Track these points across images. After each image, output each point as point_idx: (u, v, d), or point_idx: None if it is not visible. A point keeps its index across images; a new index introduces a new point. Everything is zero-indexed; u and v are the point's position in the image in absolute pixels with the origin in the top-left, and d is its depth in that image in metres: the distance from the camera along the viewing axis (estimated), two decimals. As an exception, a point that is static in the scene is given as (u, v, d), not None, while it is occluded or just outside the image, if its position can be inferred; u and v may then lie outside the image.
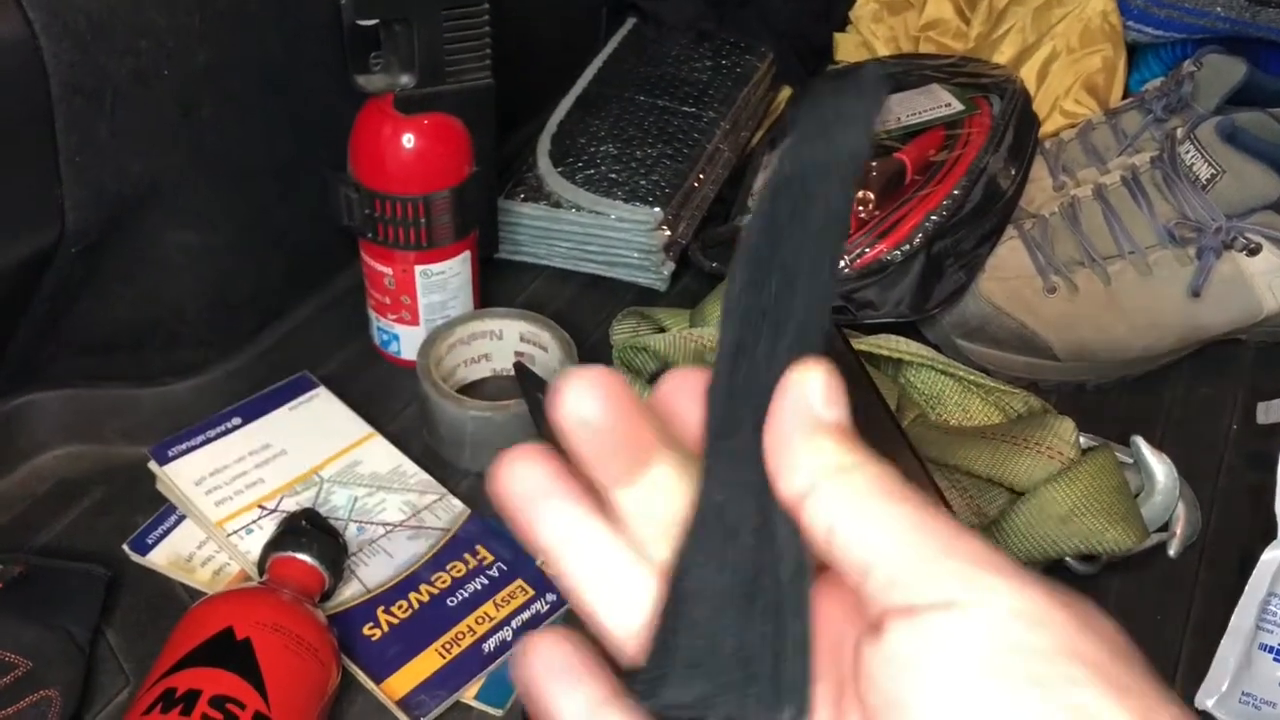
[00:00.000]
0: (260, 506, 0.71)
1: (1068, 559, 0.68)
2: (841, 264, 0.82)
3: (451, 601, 0.67)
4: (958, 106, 0.92)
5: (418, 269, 0.78)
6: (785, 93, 1.08)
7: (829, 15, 1.14)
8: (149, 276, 0.73)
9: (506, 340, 0.81)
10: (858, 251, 0.82)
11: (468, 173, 0.77)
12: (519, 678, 0.26)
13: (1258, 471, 0.75)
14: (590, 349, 0.83)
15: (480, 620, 0.66)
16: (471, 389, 0.81)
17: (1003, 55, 1.03)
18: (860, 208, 0.85)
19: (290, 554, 0.63)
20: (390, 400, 0.80)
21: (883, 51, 1.10)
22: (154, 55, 0.65)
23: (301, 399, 0.78)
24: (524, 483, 0.26)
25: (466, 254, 0.80)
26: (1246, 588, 0.67)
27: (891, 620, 0.23)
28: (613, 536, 0.27)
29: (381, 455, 0.75)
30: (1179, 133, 0.85)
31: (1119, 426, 0.76)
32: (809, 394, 0.25)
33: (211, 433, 0.75)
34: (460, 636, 0.66)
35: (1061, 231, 0.85)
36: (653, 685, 0.25)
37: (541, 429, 0.72)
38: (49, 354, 0.73)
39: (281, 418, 0.77)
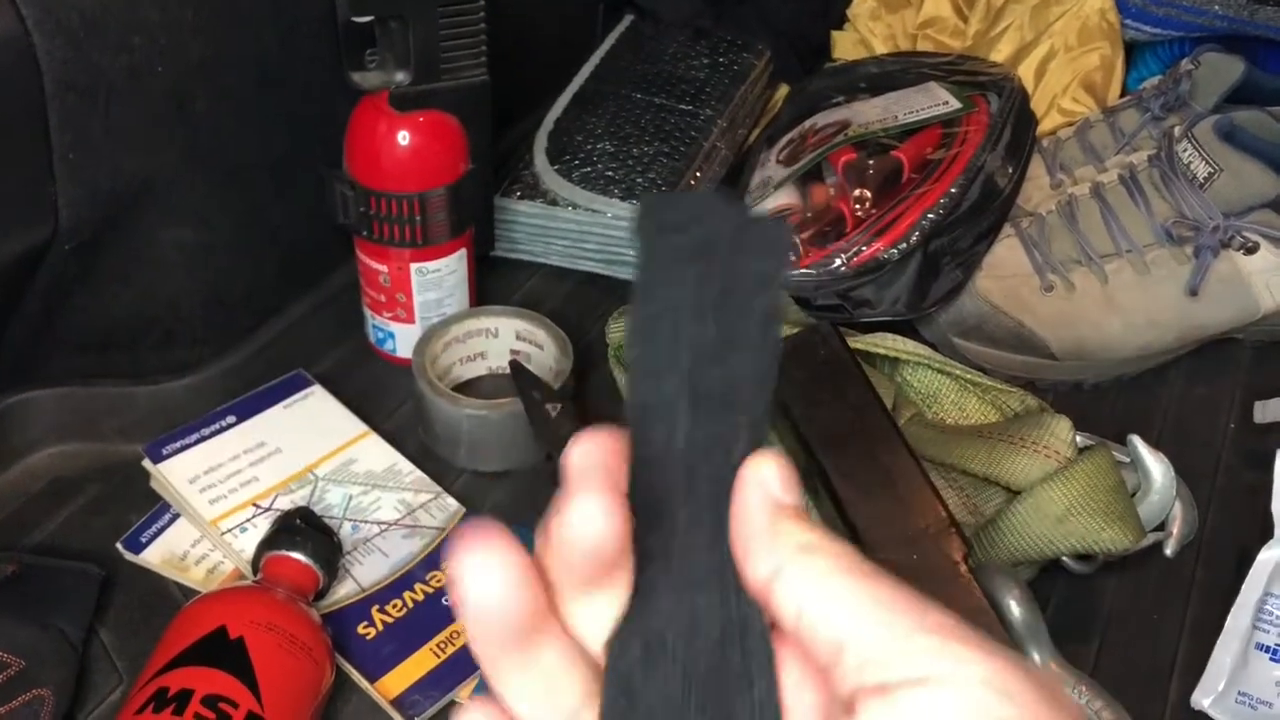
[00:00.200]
0: (255, 505, 0.71)
1: (1064, 559, 0.68)
2: (839, 262, 0.82)
3: (446, 601, 0.67)
4: (955, 104, 0.91)
5: (413, 266, 0.78)
6: (783, 90, 1.07)
7: (827, 13, 1.14)
8: (143, 274, 0.73)
9: (502, 338, 0.80)
10: (855, 249, 0.82)
11: (463, 170, 0.77)
12: None
13: (1255, 471, 0.75)
14: (586, 347, 0.82)
15: (475, 619, 0.66)
16: (467, 387, 0.80)
17: (1000, 53, 1.03)
18: (858, 205, 0.85)
19: (284, 553, 0.63)
20: (385, 398, 0.80)
21: (880, 49, 1.10)
22: (147, 52, 0.65)
23: (296, 397, 0.78)
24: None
25: (462, 251, 0.80)
26: (1243, 587, 0.67)
27: (865, 699, 0.23)
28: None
29: (376, 453, 0.75)
30: (1177, 131, 0.85)
31: (1116, 425, 0.76)
32: (768, 482, 0.25)
33: (206, 431, 0.74)
34: (455, 636, 0.65)
35: (1059, 230, 0.84)
36: None
37: (537, 427, 0.72)
38: (43, 352, 0.73)
39: (276, 416, 0.76)
